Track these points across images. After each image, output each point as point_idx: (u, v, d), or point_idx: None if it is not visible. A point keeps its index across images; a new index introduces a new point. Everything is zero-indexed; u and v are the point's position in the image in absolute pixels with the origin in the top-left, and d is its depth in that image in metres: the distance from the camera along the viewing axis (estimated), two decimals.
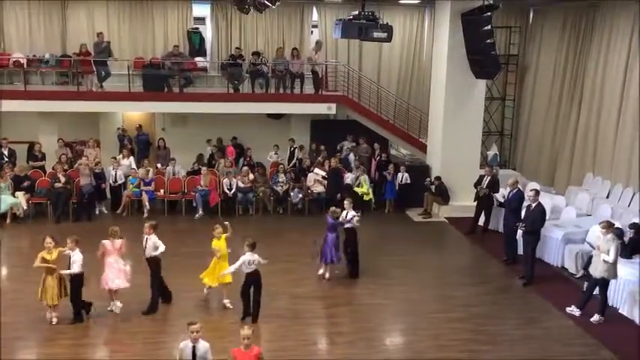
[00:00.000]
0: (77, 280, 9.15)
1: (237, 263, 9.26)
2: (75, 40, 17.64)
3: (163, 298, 9.91)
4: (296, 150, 17.48)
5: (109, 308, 9.65)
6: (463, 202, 15.42)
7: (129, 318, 9.53)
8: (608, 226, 9.72)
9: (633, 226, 11.23)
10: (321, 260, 11.35)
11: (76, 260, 9.07)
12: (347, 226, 11.31)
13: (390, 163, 16.53)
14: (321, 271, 11.44)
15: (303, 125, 18.60)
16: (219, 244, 9.86)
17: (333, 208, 11.39)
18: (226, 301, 9.91)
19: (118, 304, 9.65)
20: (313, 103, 17.37)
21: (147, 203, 15.06)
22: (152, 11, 18.35)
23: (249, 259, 9.17)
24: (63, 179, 14.57)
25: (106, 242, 9.46)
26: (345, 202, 11.58)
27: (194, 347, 6.58)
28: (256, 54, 17.36)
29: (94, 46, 16.56)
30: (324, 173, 15.84)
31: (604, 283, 9.79)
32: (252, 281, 9.32)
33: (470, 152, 15.82)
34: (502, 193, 13.73)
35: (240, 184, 15.45)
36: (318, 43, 17.65)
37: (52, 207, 14.71)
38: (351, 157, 16.86)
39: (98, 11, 18.05)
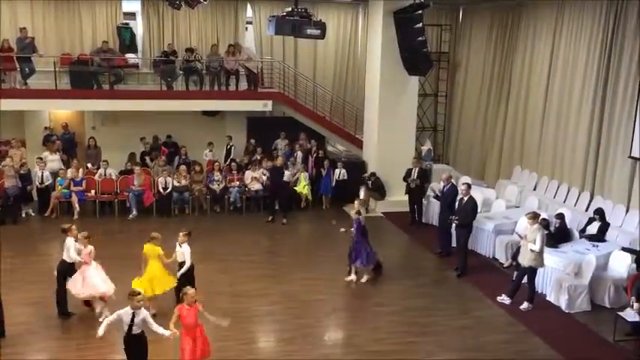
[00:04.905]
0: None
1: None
2: None
3: None
4: (232, 148, 17.32)
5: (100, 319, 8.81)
6: (399, 197, 15.70)
7: (57, 325, 9.24)
8: (535, 216, 10.14)
9: (559, 216, 11.78)
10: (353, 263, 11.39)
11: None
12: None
13: (326, 159, 16.63)
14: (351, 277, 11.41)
15: (239, 122, 18.42)
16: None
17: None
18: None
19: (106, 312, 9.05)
20: (249, 100, 17.19)
21: (77, 205, 14.59)
22: (79, 5, 17.59)
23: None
24: None
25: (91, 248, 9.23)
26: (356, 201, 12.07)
27: (134, 313, 7.14)
28: (190, 50, 17.05)
29: (16, 41, 15.79)
30: (265, 171, 15.75)
31: (532, 272, 10.19)
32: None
33: (404, 148, 16.07)
34: (438, 187, 14.07)
35: (176, 184, 15.17)
36: (237, 46, 17.51)
37: None
38: (299, 154, 16.91)
39: (21, 5, 17.16)
